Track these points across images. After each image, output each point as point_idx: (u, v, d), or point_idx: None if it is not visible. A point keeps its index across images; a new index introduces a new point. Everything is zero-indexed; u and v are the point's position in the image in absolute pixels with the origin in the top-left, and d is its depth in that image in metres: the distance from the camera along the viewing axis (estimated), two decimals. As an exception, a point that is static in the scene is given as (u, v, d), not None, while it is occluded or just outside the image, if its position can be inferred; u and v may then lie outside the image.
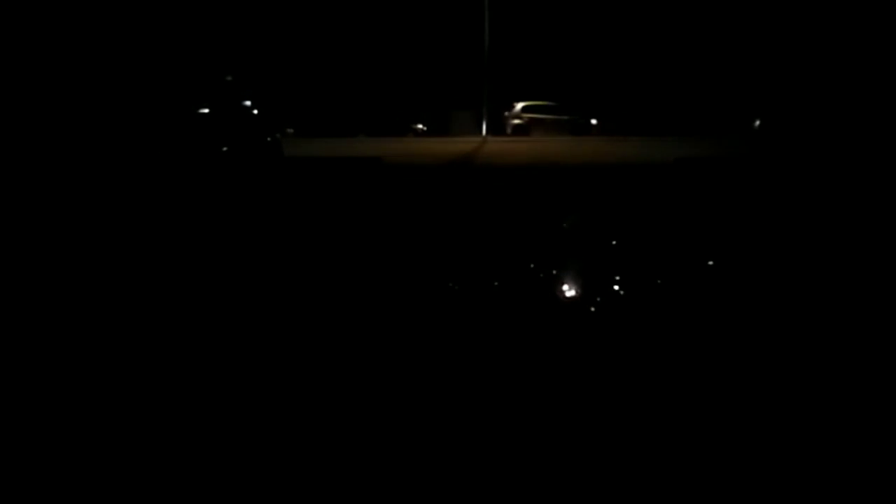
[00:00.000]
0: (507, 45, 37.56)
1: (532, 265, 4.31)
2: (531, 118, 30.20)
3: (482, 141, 27.57)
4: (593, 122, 30.92)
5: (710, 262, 4.47)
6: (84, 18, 11.73)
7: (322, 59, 37.78)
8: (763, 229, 5.89)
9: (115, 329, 3.09)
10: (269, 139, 13.26)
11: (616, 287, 3.72)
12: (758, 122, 23.70)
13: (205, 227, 6.14)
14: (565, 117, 30.27)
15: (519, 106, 31.18)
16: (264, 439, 2.01)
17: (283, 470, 1.84)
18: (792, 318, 3.18)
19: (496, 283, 3.85)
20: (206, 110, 11.27)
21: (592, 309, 3.39)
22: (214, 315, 3.33)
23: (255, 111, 12.93)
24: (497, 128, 31.88)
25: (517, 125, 30.42)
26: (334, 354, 2.75)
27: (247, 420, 2.16)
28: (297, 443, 1.98)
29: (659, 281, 3.93)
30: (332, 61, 38.07)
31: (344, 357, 2.74)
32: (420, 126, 38.57)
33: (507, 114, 31.55)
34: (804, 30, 30.74)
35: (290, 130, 30.97)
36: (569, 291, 3.74)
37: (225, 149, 11.29)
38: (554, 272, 4.10)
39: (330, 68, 38.13)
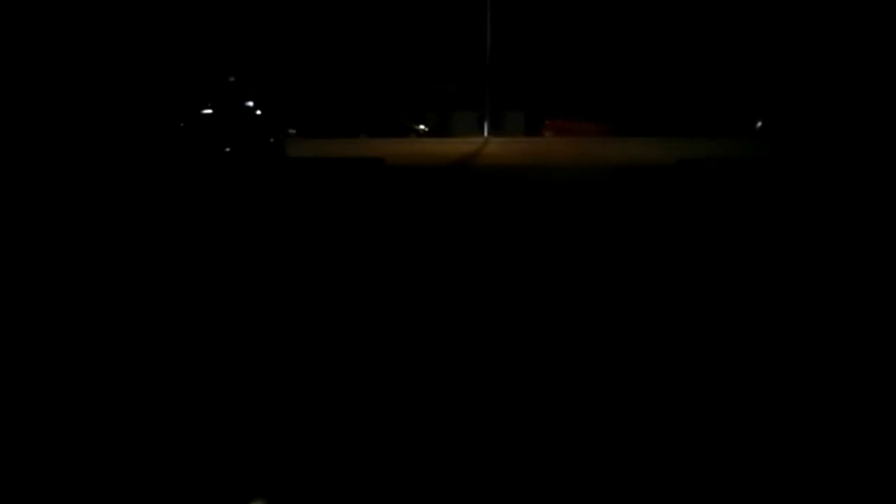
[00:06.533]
0: (509, 46, 37.58)
1: (532, 265, 4.35)
2: None
3: (484, 142, 27.64)
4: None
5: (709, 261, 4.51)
6: (88, 21, 11.78)
7: (324, 60, 37.80)
8: (760, 230, 5.92)
9: (119, 323, 3.14)
10: (271, 140, 13.33)
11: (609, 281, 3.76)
12: (760, 124, 23.72)
13: (208, 226, 6.19)
14: None
15: None
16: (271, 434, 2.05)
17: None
18: (791, 317, 3.22)
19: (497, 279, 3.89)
20: (209, 111, 11.32)
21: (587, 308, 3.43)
22: (215, 312, 3.37)
23: (258, 112, 12.99)
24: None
25: None
26: (330, 353, 2.79)
27: (249, 416, 2.20)
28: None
29: (658, 280, 3.97)
30: (334, 62, 38.09)
31: (340, 356, 2.78)
32: (422, 127, 38.60)
33: None
34: (807, 31, 30.74)
35: (293, 131, 31.03)
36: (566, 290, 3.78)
37: (228, 149, 11.35)
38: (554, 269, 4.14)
39: (332, 69, 38.15)
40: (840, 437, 2.06)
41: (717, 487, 1.80)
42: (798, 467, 1.88)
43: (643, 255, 4.83)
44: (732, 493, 1.77)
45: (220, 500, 1.74)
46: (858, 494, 1.74)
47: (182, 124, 10.80)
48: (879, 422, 2.15)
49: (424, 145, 23.94)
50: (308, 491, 1.78)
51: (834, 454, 1.95)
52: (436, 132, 37.76)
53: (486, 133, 33.95)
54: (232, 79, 12.25)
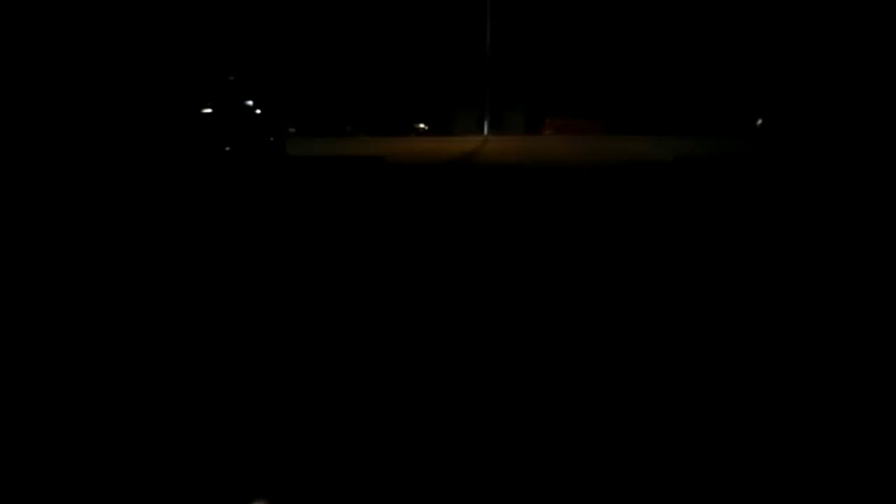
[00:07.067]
0: (509, 44, 37.62)
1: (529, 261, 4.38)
2: None
3: (484, 140, 27.61)
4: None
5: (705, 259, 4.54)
6: (86, 19, 11.82)
7: (324, 58, 37.84)
8: (756, 227, 5.95)
9: (118, 326, 3.17)
10: (271, 139, 13.37)
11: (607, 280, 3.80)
12: (760, 122, 23.77)
13: (207, 227, 6.22)
14: None
15: None
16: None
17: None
18: (787, 317, 3.24)
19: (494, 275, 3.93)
20: (209, 110, 11.37)
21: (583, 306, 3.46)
22: (214, 313, 3.40)
23: (258, 111, 13.03)
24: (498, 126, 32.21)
25: None
26: (332, 355, 2.82)
27: (254, 419, 2.23)
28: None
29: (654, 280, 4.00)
30: (334, 61, 38.13)
31: (342, 357, 2.80)
32: (422, 125, 38.70)
33: None
34: (805, 30, 30.75)
35: (293, 130, 31.13)
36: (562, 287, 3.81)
37: (228, 149, 11.39)
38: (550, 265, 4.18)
39: (332, 68, 38.19)
40: (840, 437, 2.09)
41: (716, 487, 1.83)
42: (798, 467, 1.92)
43: (637, 249, 4.86)
44: (732, 493, 1.80)
45: (220, 500, 1.77)
46: (858, 494, 1.77)
47: (181, 123, 10.83)
48: (879, 422, 2.18)
49: (424, 144, 23.97)
50: (308, 491, 1.81)
51: (834, 454, 1.98)
52: (436, 131, 37.86)
53: (486, 132, 33.99)
54: (231, 78, 12.27)
